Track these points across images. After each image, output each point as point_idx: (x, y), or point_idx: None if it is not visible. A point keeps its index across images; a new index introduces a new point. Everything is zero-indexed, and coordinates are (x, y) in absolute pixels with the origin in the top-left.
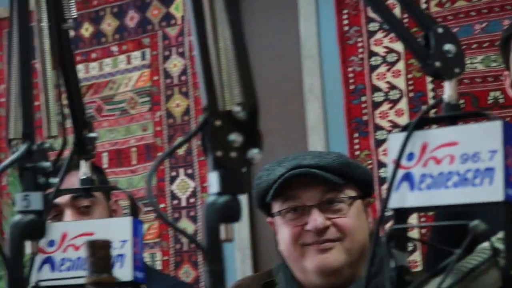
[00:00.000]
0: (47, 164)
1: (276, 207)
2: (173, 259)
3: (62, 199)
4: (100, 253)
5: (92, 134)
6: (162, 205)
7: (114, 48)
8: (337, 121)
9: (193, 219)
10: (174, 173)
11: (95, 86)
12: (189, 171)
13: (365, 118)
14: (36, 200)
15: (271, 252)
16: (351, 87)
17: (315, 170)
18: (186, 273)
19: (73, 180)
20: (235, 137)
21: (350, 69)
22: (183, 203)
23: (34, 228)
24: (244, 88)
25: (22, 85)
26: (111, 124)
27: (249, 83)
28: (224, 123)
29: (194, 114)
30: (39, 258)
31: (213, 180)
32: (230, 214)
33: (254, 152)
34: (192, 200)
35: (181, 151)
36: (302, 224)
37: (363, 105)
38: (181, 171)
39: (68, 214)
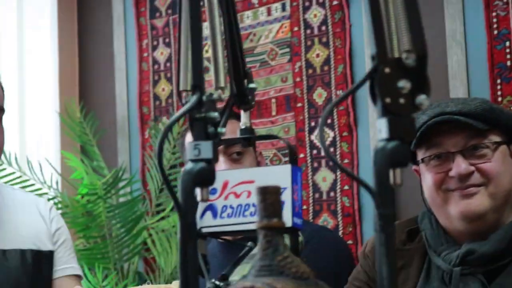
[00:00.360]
0: (215, 114)
1: (420, 154)
2: (312, 208)
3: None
4: (271, 198)
5: (252, 85)
6: (301, 155)
7: (255, 0)
8: (480, 67)
9: (332, 169)
10: (313, 123)
11: None
12: (329, 120)
13: (508, 63)
14: (206, 149)
15: (410, 201)
16: (495, 32)
17: (458, 117)
18: (325, 222)
19: (228, 129)
20: (404, 84)
21: (493, 13)
22: (323, 153)
23: (205, 176)
24: (413, 35)
25: (192, 38)
26: None
27: (418, 30)
28: (393, 70)
29: (334, 64)
30: (201, 205)
31: (382, 126)
32: (398, 159)
33: (422, 98)
34: (331, 149)
35: (320, 101)
36: (446, 170)
37: (507, 50)
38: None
39: (222, 160)
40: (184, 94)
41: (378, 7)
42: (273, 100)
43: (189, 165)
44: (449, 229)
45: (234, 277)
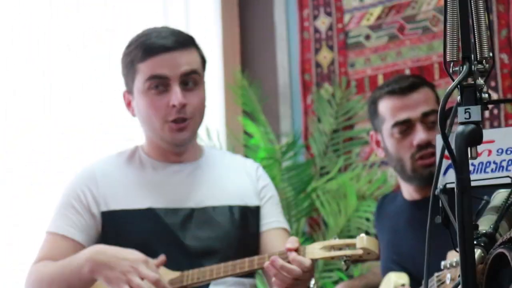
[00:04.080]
0: (482, 82)
1: None
2: None
3: (414, 114)
4: None
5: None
6: None
7: None
8: None
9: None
10: None
11: (397, 6)
12: (493, 83)
13: None
14: (475, 113)
15: None
16: None
17: None
18: None
19: (422, 96)
20: None
21: None
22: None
23: (475, 136)
24: None
25: (461, 14)
26: (413, 42)
27: None
28: None
29: (497, 28)
30: (445, 163)
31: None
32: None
33: None
34: (495, 111)
35: None
36: None
37: None
38: None
39: (420, 128)
40: (451, 64)
41: None
42: (436, 65)
43: (460, 128)
44: None
45: (481, 227)
